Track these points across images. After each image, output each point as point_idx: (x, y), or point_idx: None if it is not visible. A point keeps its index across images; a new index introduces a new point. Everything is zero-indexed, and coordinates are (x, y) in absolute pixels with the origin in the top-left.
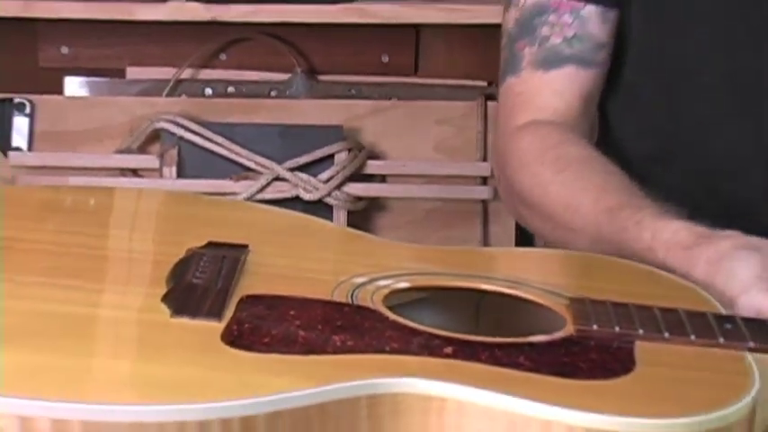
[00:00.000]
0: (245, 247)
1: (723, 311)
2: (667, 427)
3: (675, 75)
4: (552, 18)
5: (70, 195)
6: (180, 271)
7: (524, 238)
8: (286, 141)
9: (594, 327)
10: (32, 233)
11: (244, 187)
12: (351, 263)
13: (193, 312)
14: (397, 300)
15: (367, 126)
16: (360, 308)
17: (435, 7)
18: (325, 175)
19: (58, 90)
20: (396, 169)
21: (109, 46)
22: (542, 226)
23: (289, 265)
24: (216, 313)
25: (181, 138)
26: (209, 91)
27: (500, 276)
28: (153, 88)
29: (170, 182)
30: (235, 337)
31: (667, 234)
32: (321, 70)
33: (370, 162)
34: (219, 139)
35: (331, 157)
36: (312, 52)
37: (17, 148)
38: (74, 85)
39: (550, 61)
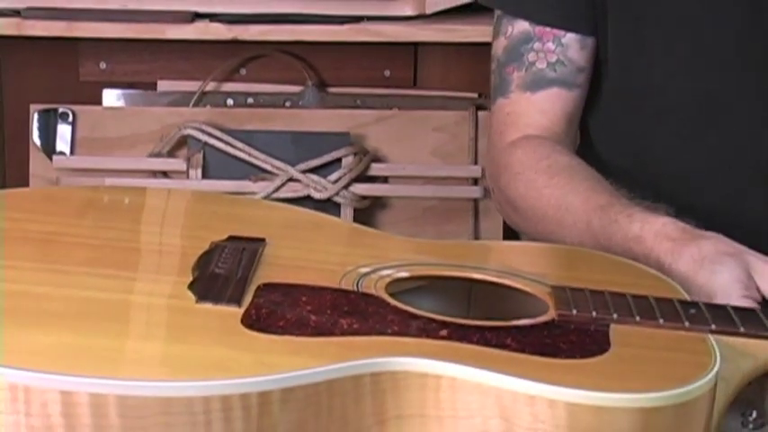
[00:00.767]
0: (262, 240)
1: (688, 298)
2: (639, 401)
3: (643, 95)
4: (537, 45)
5: (107, 194)
6: (204, 262)
7: (511, 232)
8: (299, 146)
9: (574, 312)
10: (73, 228)
11: (261, 187)
12: (356, 255)
13: (216, 299)
14: (398, 287)
15: (371, 133)
16: (364, 295)
17: (432, 28)
18: (333, 177)
19: (97, 101)
20: (397, 171)
21: (142, 62)
22: (535, 228)
23: (301, 256)
24: (236, 299)
25: (205, 143)
26: (230, 102)
27: (489, 267)
28: (181, 99)
29: (195, 183)
30: (253, 321)
31: (657, 226)
32: (330, 83)
33: (373, 165)
34: (240, 145)
35: (339, 160)
36: (322, 67)
37: (61, 153)
38: (111, 97)
39: (536, 84)
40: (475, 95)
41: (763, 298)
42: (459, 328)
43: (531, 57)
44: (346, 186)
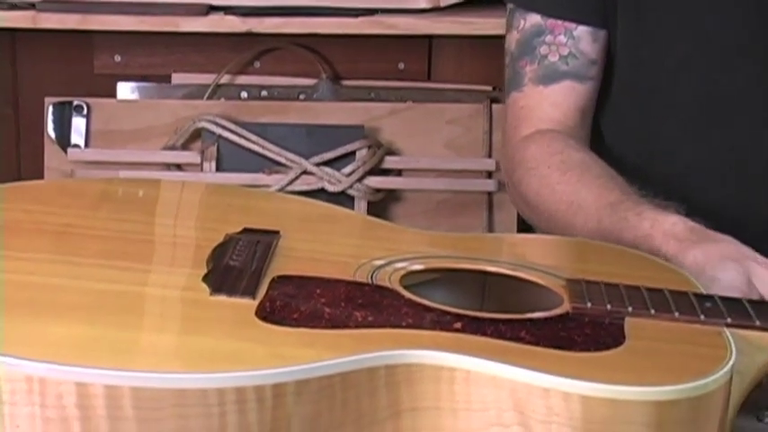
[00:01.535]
0: (276, 232)
1: (704, 291)
2: (654, 394)
3: (650, 92)
4: (549, 38)
5: (122, 187)
6: (218, 254)
7: (525, 225)
8: (313, 139)
9: (588, 305)
10: (88, 220)
11: (275, 180)
12: (371, 247)
13: (230, 291)
14: (412, 280)
15: (385, 126)
16: (379, 287)
17: (446, 20)
18: (347, 170)
19: (112, 94)
20: (410, 164)
21: (156, 55)
22: (547, 223)
23: (315, 249)
24: (250, 292)
25: (219, 136)
26: (244, 94)
27: (503, 259)
28: (195, 92)
29: (210, 175)
30: (267, 313)
31: (667, 225)
32: (344, 76)
33: (387, 158)
34: (254, 138)
35: (353, 153)
36: (336, 60)
37: (76, 146)
38: (125, 90)
39: (549, 77)
40: (489, 88)
41: None
42: (474, 320)
43: (544, 50)
44: (360, 179)
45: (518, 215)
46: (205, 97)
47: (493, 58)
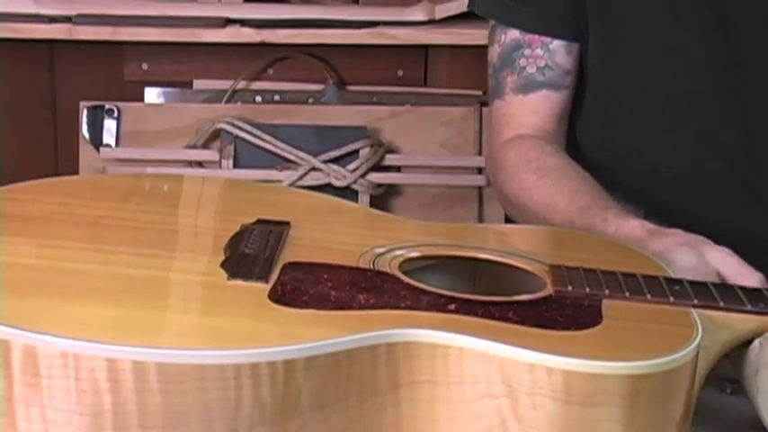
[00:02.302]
0: (287, 223)
1: (673, 276)
2: (628, 369)
3: (618, 98)
4: (527, 52)
5: (148, 182)
6: (235, 242)
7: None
8: (320, 139)
9: (569, 288)
10: (118, 212)
11: (286, 176)
12: (373, 236)
13: (246, 276)
14: (410, 266)
15: (385, 127)
16: (380, 272)
17: (441, 32)
18: (351, 167)
19: (140, 98)
20: (409, 161)
21: (180, 63)
22: (525, 222)
23: (323, 238)
24: (264, 277)
25: (236, 136)
26: (259, 99)
27: (493, 247)
28: (214, 97)
29: (227, 171)
30: (279, 296)
31: (627, 229)
32: (349, 82)
33: (388, 156)
34: (267, 137)
35: (356, 151)
36: (342, 67)
37: (107, 145)
38: (152, 95)
39: (528, 87)
40: (479, 93)
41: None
42: (466, 302)
43: (522, 62)
44: (363, 175)
45: None
46: (223, 101)
47: (483, 66)
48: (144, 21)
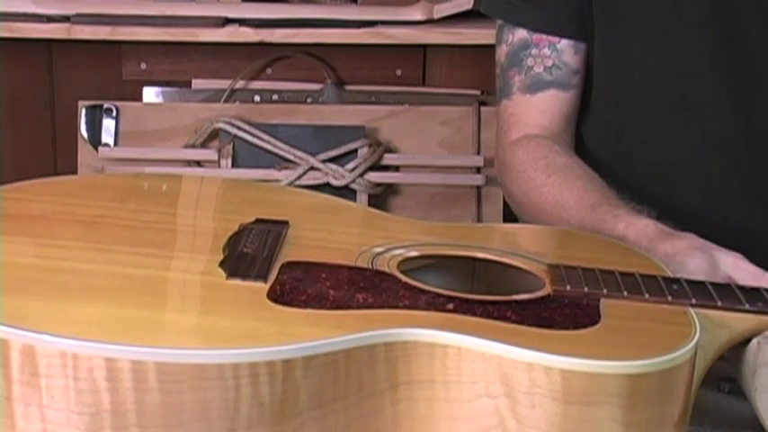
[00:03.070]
0: (286, 222)
1: (671, 275)
2: (626, 368)
3: (624, 98)
4: (535, 51)
5: (147, 181)
6: (234, 242)
7: (511, 216)
8: (319, 139)
9: (568, 287)
10: (116, 212)
11: (285, 175)
12: (371, 236)
13: (244, 275)
14: (409, 265)
15: (384, 126)
16: (378, 272)
17: (439, 31)
18: (350, 166)
19: (138, 98)
20: (407, 161)
21: (178, 62)
22: (535, 221)
23: (321, 237)
24: (262, 276)
25: (235, 136)
26: (257, 98)
27: (491, 247)
28: (213, 96)
29: (226, 171)
30: (278, 296)
31: (639, 227)
32: (347, 81)
33: (386, 155)
34: (266, 137)
35: (355, 151)
36: (340, 67)
37: (106, 144)
38: (150, 94)
39: (535, 86)
40: (478, 92)
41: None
42: (464, 302)
43: (530, 62)
44: (362, 174)
45: (504, 207)
46: (222, 101)
47: (481, 65)
48: (142, 20)
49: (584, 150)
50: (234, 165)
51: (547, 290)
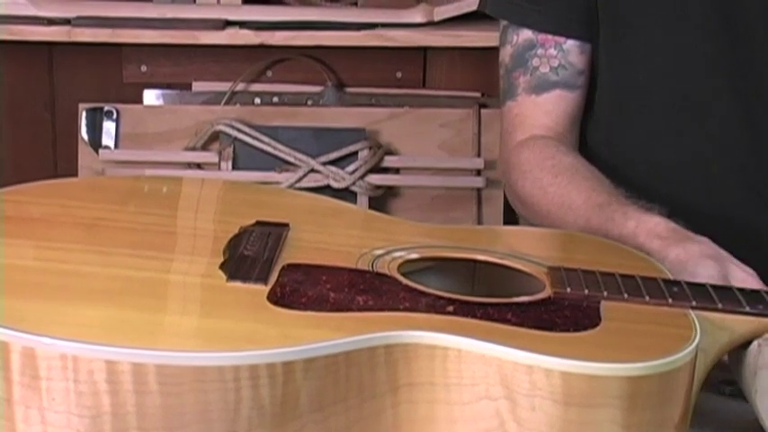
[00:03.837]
0: (286, 225)
1: (671, 277)
2: (627, 370)
3: (627, 99)
4: (540, 52)
5: (147, 184)
6: (234, 244)
7: (511, 218)
8: (319, 141)
9: (568, 290)
10: (117, 214)
11: (285, 178)
12: (371, 238)
13: (245, 278)
14: (409, 268)
15: (384, 129)
16: (378, 274)
17: (440, 34)
18: (350, 168)
19: (139, 100)
20: (407, 163)
21: (179, 65)
22: (541, 222)
23: (321, 239)
24: (263, 278)
25: (235, 138)
26: (258, 101)
27: (491, 249)
28: (213, 99)
29: (226, 173)
30: (278, 298)
31: (650, 224)
32: (348, 84)
33: (387, 157)
34: (266, 139)
35: (355, 153)
36: (340, 69)
37: (106, 147)
38: (151, 97)
39: (541, 87)
40: (478, 95)
41: None
42: (465, 304)
43: (535, 62)
44: (362, 177)
45: (504, 209)
46: (222, 103)
47: (481, 68)
48: (143, 23)
49: (586, 151)
50: (234, 167)
51: (547, 292)
